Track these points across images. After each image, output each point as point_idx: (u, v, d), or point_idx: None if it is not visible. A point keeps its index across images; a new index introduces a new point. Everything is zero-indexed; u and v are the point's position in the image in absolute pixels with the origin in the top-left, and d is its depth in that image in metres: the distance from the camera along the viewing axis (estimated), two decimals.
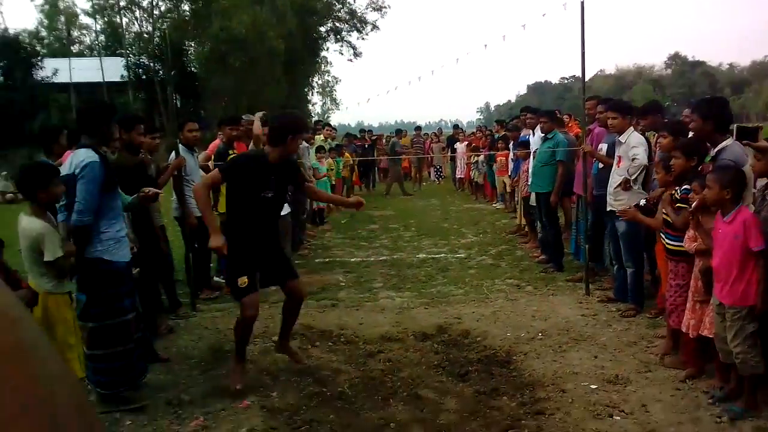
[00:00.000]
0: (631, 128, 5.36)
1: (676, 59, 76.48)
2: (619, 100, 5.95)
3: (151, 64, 30.38)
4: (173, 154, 5.91)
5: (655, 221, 4.37)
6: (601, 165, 5.78)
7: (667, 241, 4.16)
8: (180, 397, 3.85)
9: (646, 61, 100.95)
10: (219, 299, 6.14)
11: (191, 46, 30.77)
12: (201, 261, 6.23)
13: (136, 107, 27.41)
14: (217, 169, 4.04)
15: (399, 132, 18.88)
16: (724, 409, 3.42)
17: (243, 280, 3.78)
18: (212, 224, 3.77)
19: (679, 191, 4.06)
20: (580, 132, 7.01)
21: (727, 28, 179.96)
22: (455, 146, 16.53)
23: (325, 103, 61.50)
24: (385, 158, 16.60)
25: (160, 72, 28.94)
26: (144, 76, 30.75)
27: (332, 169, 11.57)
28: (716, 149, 3.90)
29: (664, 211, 4.16)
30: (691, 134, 4.90)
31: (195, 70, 30.00)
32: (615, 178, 5.30)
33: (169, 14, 31.04)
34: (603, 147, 5.84)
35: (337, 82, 55.92)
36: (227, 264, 4.04)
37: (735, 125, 3.35)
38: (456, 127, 20.11)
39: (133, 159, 4.82)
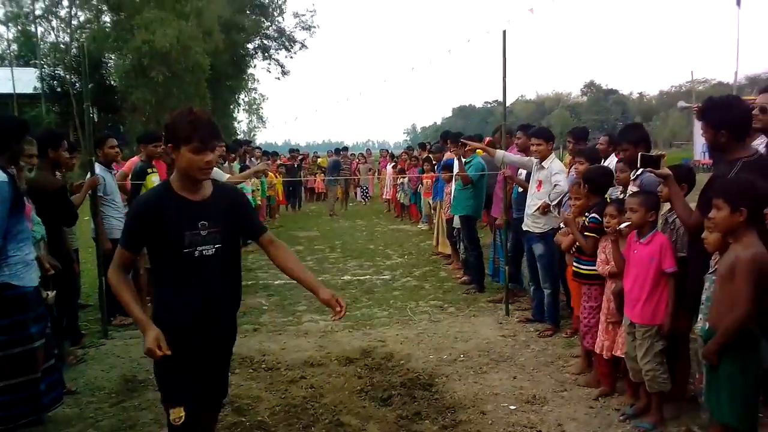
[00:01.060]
0: (553, 154, 5.59)
1: (591, 87, 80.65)
2: (541, 127, 6.20)
3: (67, 76, 29.01)
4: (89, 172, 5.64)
5: (566, 241, 4.54)
6: (520, 189, 5.98)
7: (579, 265, 4.33)
8: None
9: (564, 89, 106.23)
10: (132, 326, 5.85)
11: (111, 58, 29.64)
12: None
13: (49, 121, 26.04)
14: (119, 244, 2.54)
15: (339, 150, 18.42)
16: (635, 425, 3.58)
17: (178, 414, 2.46)
18: (139, 318, 2.47)
19: (587, 219, 4.26)
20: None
21: (637, 59, 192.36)
22: (386, 168, 16.64)
23: (251, 120, 60.75)
24: (313, 178, 16.54)
25: (77, 84, 27.68)
26: (59, 89, 29.31)
27: (257, 189, 11.37)
28: (637, 173, 4.12)
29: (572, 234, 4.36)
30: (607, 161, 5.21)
31: (114, 84, 28.90)
32: (534, 201, 5.49)
33: (88, 25, 29.82)
34: (522, 172, 6.05)
35: (264, 99, 55.41)
36: (157, 372, 2.59)
37: (639, 153, 3.54)
38: (386, 150, 20.35)
39: (55, 182, 4.58)
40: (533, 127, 6.48)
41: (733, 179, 2.91)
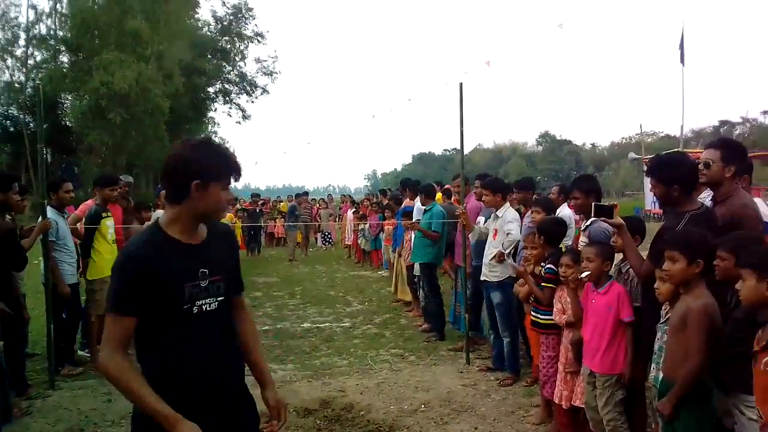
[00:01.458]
0: (507, 204, 5.71)
1: (546, 137, 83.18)
2: (493, 178, 6.30)
3: (21, 116, 28.42)
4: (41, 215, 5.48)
5: (523, 291, 4.62)
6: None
7: (537, 315, 4.40)
8: None
9: (520, 138, 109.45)
10: (81, 375, 5.62)
11: (67, 99, 29.24)
12: (65, 333, 5.72)
13: (0, 161, 25.32)
14: (113, 313, 1.97)
15: (299, 195, 17.61)
16: None
17: None
18: (163, 413, 1.89)
19: (543, 270, 4.35)
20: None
21: (590, 111, 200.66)
22: (346, 213, 16.60)
23: None
24: (273, 223, 16.40)
25: (31, 125, 27.11)
26: (12, 128, 28.66)
27: None
28: (588, 222, 4.25)
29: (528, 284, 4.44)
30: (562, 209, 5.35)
31: (70, 124, 28.43)
32: (491, 250, 5.57)
33: (45, 65, 29.45)
34: (481, 220, 6.16)
35: (224, 143, 55.24)
36: None
37: (593, 203, 3.67)
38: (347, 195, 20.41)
39: (4, 225, 4.44)
40: (490, 176, 6.64)
41: (687, 232, 3.01)
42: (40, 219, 5.33)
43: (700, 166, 3.35)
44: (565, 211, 5.33)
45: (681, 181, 3.22)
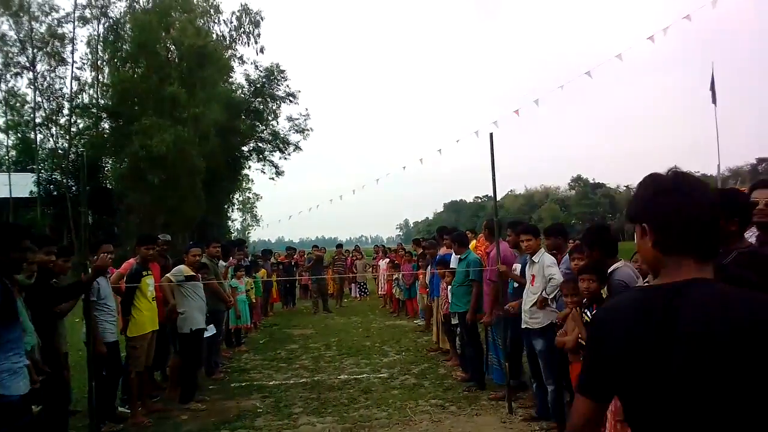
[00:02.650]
0: (543, 249, 5.66)
1: (578, 181, 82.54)
2: (528, 223, 6.31)
3: (64, 180, 29.59)
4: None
5: (570, 340, 4.50)
6: (516, 284, 6.00)
7: None
8: None
9: (552, 183, 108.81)
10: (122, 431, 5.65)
11: (108, 162, 30.38)
12: (106, 390, 5.78)
13: (44, 224, 26.25)
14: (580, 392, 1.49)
15: (316, 247, 17.72)
16: None
17: None
18: None
19: (589, 313, 4.25)
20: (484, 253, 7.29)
21: (622, 153, 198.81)
22: (379, 263, 16.61)
23: (245, 219, 61.46)
24: (306, 275, 16.45)
25: (73, 188, 28.18)
26: (55, 192, 29.81)
27: (251, 288, 11.32)
28: (609, 270, 4.19)
29: (573, 331, 4.32)
30: None
31: (110, 186, 29.44)
32: (530, 297, 5.49)
33: (86, 131, 30.78)
34: (517, 267, 6.10)
35: (258, 198, 56.46)
36: None
37: None
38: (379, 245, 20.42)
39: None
40: (521, 223, 6.60)
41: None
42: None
43: (762, 206, 3.27)
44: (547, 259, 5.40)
45: (741, 215, 3.15)
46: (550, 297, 5.33)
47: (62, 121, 30.54)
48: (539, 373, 5.43)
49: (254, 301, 11.71)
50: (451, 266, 7.54)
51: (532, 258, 5.59)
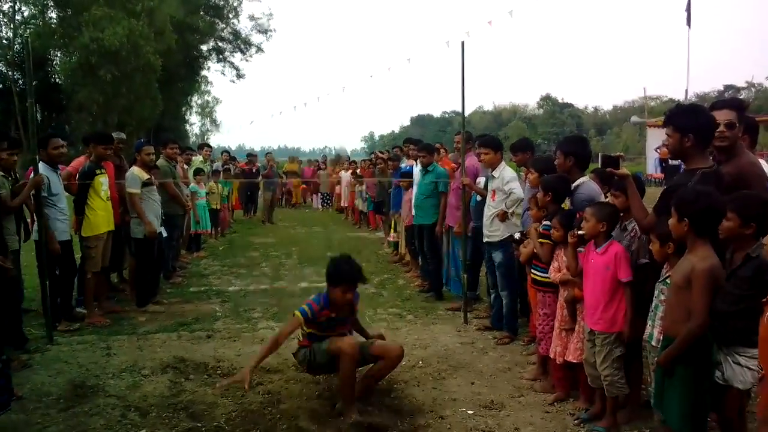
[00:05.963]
0: (503, 163, 5.65)
1: (547, 100, 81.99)
2: (490, 136, 6.20)
3: (10, 73, 27.88)
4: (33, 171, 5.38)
5: (525, 253, 4.60)
6: (479, 198, 6.03)
7: (535, 272, 4.39)
8: None
9: (520, 101, 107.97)
10: (80, 331, 5.63)
11: (57, 56, 28.64)
12: (61, 289, 5.70)
13: None
14: None
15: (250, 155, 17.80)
16: (589, 429, 3.64)
17: None
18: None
19: (541, 226, 4.32)
20: (453, 166, 7.24)
21: (592, 74, 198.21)
22: (342, 174, 16.50)
23: (204, 123, 59.72)
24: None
25: (20, 81, 26.60)
26: (1, 85, 28.14)
27: (214, 193, 11.12)
28: (573, 185, 4.22)
29: (532, 244, 4.40)
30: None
31: (60, 82, 27.93)
32: (490, 211, 5.54)
33: (33, 21, 28.73)
34: (481, 180, 6.11)
35: (217, 102, 54.69)
36: None
37: (600, 154, 3.68)
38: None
39: None
40: (484, 136, 6.49)
41: (747, 195, 2.90)
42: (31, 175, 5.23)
43: (722, 128, 3.24)
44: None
45: (697, 132, 3.11)
46: (510, 211, 5.38)
47: (5, 7, 28.38)
48: (496, 285, 5.58)
49: (219, 207, 11.58)
50: (414, 179, 7.52)
51: (492, 173, 5.58)
